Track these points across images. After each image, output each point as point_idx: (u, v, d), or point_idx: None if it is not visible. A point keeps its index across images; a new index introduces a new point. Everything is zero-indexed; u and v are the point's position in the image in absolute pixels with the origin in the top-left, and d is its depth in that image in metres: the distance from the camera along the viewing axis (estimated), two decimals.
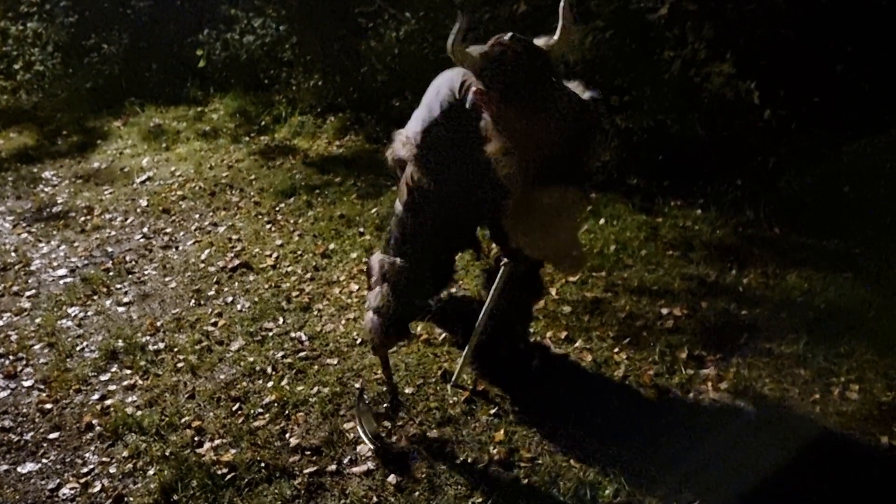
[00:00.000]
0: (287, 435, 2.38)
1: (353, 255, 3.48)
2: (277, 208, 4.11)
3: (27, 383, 2.78)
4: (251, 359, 2.78)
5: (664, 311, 2.85)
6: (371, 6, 5.27)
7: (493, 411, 2.41)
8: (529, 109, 1.81)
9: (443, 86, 2.11)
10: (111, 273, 3.56)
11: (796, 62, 3.81)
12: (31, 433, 2.51)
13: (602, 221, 3.52)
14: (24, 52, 7.14)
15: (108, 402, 2.63)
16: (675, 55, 3.94)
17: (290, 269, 3.44)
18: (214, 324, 3.05)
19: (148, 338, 2.99)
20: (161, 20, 6.70)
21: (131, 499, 2.18)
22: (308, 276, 3.36)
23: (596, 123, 2.17)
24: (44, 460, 2.38)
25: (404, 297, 2.20)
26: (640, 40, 4.12)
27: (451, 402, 2.47)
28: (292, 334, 2.93)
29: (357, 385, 2.57)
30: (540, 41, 1.88)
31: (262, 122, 5.46)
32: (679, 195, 3.65)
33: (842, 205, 3.27)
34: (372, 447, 2.26)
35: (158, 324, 3.08)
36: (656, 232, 3.39)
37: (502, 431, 2.31)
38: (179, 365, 2.79)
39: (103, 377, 2.78)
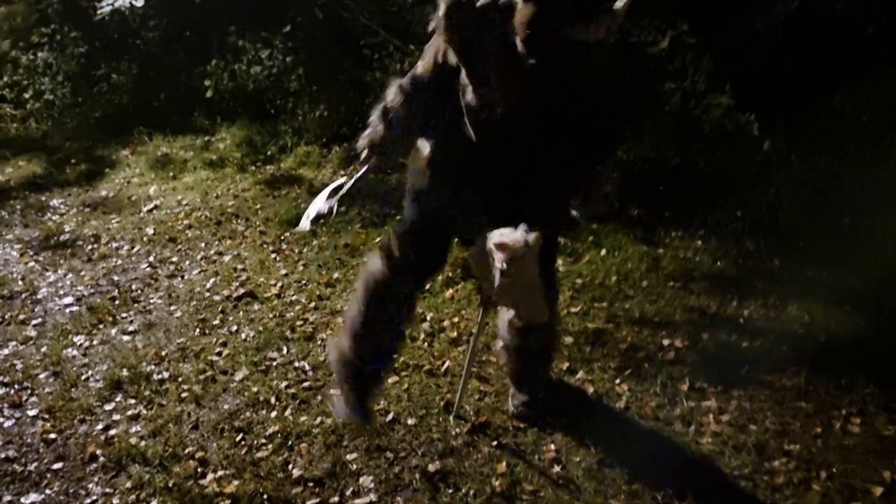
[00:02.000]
0: (290, 466, 2.39)
1: (357, 284, 3.50)
2: (282, 238, 4.15)
3: (32, 413, 2.80)
4: (255, 389, 2.80)
5: (665, 342, 2.86)
6: (376, 38, 5.36)
7: (494, 443, 2.41)
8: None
9: None
10: (117, 302, 3.59)
11: (795, 94, 3.86)
12: (35, 463, 2.52)
13: (603, 252, 3.54)
14: (34, 82, 7.25)
15: (112, 432, 2.64)
16: (676, 87, 4.00)
17: (294, 298, 3.47)
18: (219, 353, 3.08)
19: (153, 367, 3.01)
20: (170, 50, 6.81)
21: None
22: (312, 305, 3.39)
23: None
24: (47, 491, 2.39)
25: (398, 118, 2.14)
26: (640, 73, 4.19)
27: (453, 433, 2.48)
28: (296, 364, 2.95)
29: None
30: None
31: (268, 152, 5.52)
32: (680, 226, 3.68)
33: (842, 236, 3.29)
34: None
35: (163, 353, 3.11)
36: (657, 263, 3.42)
37: (504, 463, 2.32)
38: (184, 395, 2.81)
39: (108, 407, 2.79)
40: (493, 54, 1.82)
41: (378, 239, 3.94)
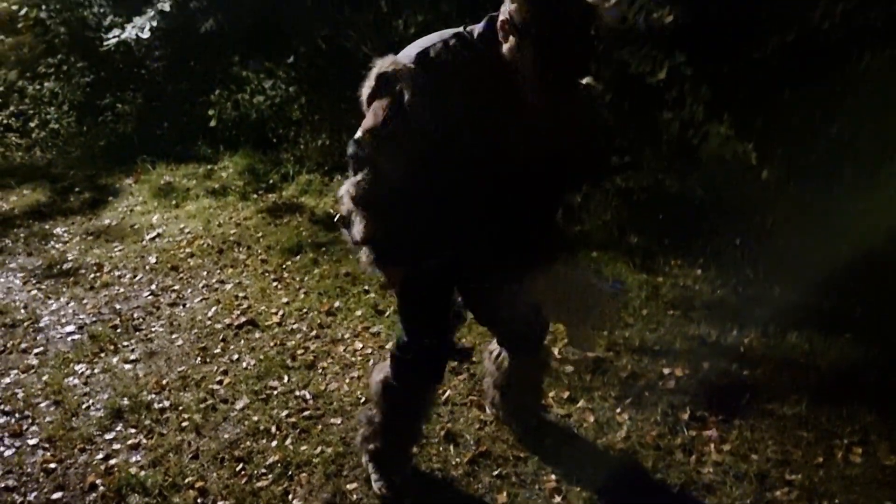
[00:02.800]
0: (290, 496, 2.38)
1: (358, 312, 3.52)
2: (284, 266, 4.17)
3: (32, 442, 2.80)
4: (255, 418, 2.80)
5: (666, 370, 2.87)
6: None
7: (495, 472, 2.41)
8: (558, 70, 1.60)
9: (449, 30, 1.83)
10: (119, 330, 3.60)
11: (792, 123, 3.91)
12: (35, 493, 2.51)
13: None
14: (39, 111, 7.34)
15: (112, 461, 2.64)
16: (674, 117, 4.05)
17: (295, 326, 3.48)
18: (220, 382, 3.08)
19: (153, 396, 3.01)
20: (174, 80, 6.89)
21: None
22: (313, 333, 3.40)
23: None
24: None
25: (384, 211, 1.86)
26: (639, 102, 4.24)
27: (453, 462, 2.47)
28: (297, 393, 2.95)
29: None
30: None
31: (270, 180, 5.56)
32: (679, 254, 3.70)
33: (840, 264, 3.30)
34: None
35: (164, 382, 3.11)
36: (657, 291, 3.43)
37: (505, 493, 2.31)
38: (184, 424, 2.81)
39: (108, 436, 2.79)
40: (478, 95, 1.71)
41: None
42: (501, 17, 1.64)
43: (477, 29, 1.75)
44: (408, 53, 1.78)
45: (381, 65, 1.77)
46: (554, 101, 1.70)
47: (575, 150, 1.91)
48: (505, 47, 1.65)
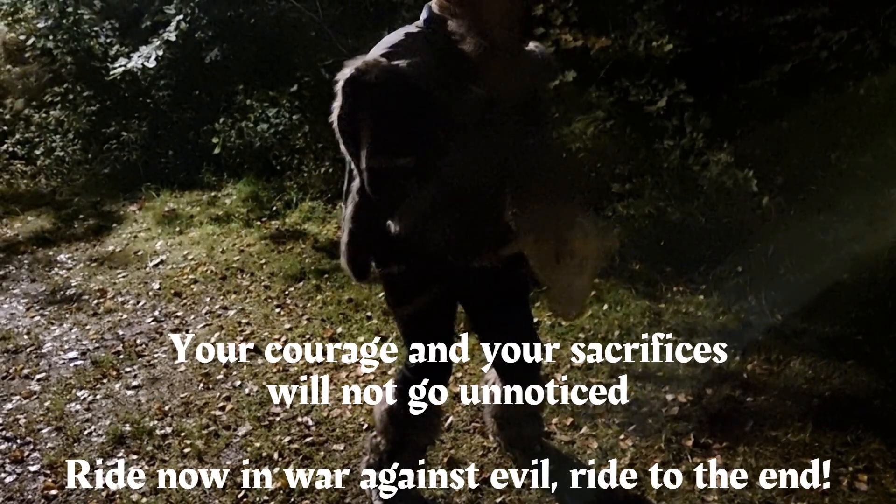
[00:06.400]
0: None
1: (361, 338, 3.52)
2: (287, 292, 4.18)
3: (33, 468, 2.79)
4: (258, 444, 2.79)
5: (669, 397, 2.86)
6: None
7: (498, 500, 2.40)
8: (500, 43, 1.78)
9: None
10: (121, 356, 3.60)
11: (791, 150, 3.95)
12: None
13: (605, 307, 3.56)
14: (45, 139, 7.40)
15: (114, 488, 2.62)
16: (674, 144, 4.09)
17: (298, 352, 3.47)
18: (222, 408, 3.07)
19: (155, 422, 3.01)
20: (179, 109, 6.96)
21: None
22: (315, 359, 3.39)
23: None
24: None
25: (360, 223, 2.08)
26: (639, 130, 4.28)
27: (456, 489, 2.46)
28: (299, 419, 2.94)
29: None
30: None
31: (274, 207, 5.60)
32: (681, 281, 3.71)
33: (842, 291, 3.31)
34: None
35: (166, 408, 3.10)
36: (659, 317, 3.43)
37: None
38: (186, 450, 2.80)
39: (109, 462, 2.78)
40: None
41: (381, 294, 3.97)
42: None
43: (421, 20, 1.87)
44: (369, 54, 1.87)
45: (342, 75, 1.83)
46: (501, 58, 1.79)
47: (523, 109, 1.95)
48: (451, 24, 1.78)
